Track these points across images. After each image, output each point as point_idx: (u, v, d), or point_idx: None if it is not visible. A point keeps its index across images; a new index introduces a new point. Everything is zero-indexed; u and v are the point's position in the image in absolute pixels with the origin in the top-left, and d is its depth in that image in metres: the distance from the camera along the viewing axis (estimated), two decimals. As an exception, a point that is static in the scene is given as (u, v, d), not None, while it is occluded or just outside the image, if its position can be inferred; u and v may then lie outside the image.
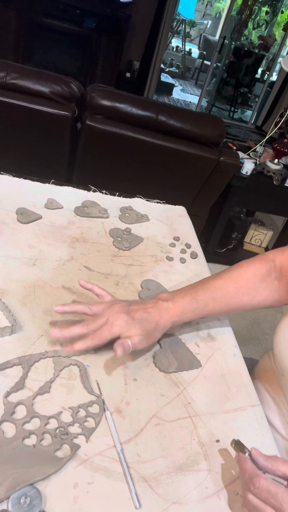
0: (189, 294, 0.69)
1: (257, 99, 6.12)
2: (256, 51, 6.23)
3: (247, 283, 0.74)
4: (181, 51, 7.81)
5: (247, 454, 0.49)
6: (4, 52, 4.25)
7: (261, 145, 2.57)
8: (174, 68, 7.88)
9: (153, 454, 0.52)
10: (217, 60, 5.88)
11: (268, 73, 6.20)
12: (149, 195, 1.14)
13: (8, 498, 0.43)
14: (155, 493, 0.48)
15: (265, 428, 0.60)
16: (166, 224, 1.05)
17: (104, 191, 1.09)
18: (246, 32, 6.74)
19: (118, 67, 4.68)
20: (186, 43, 7.68)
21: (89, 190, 1.08)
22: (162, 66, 6.43)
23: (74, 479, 0.47)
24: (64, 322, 0.67)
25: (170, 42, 7.76)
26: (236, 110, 6.40)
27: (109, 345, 0.62)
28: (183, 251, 0.96)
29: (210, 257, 2.52)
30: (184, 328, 0.73)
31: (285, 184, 2.34)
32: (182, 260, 0.92)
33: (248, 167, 2.25)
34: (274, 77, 5.93)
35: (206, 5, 9.53)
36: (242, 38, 6.74)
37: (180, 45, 7.92)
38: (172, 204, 1.16)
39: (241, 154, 2.38)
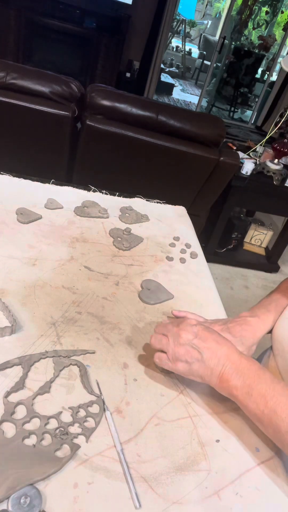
0: (271, 310, 0.73)
1: (257, 99, 6.12)
2: (256, 51, 6.23)
3: None
4: (181, 51, 7.81)
5: None
6: (4, 52, 4.25)
7: (261, 145, 2.57)
8: (174, 68, 7.88)
9: (153, 454, 0.52)
10: (217, 60, 5.87)
11: (268, 73, 6.19)
12: (149, 195, 1.14)
13: (8, 498, 0.43)
14: (155, 493, 0.48)
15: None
16: (166, 224, 1.05)
17: (104, 191, 1.09)
18: (246, 32, 6.74)
19: (118, 67, 4.68)
20: (186, 43, 7.68)
21: (89, 190, 1.08)
22: (162, 66, 6.43)
23: (74, 479, 0.47)
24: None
25: (170, 42, 7.76)
26: (236, 110, 6.40)
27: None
28: (183, 251, 0.96)
29: (210, 257, 2.52)
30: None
31: (285, 184, 2.34)
32: (182, 260, 0.92)
33: (248, 167, 2.25)
34: (274, 77, 5.93)
35: (206, 5, 9.53)
36: (242, 38, 6.74)
37: (180, 45, 7.92)
38: (172, 204, 1.16)
39: (241, 154, 2.38)
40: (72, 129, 1.72)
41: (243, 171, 2.25)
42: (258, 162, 2.43)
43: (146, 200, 1.13)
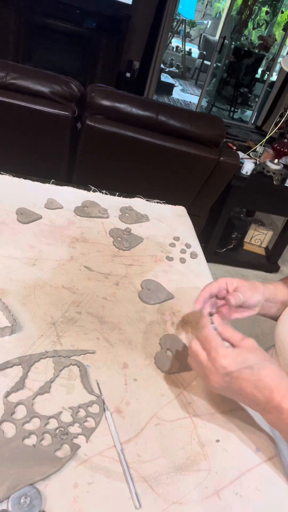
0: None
1: (257, 99, 6.12)
2: (256, 51, 6.23)
3: None
4: (181, 51, 7.81)
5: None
6: (4, 52, 4.25)
7: (261, 145, 2.57)
8: (174, 68, 7.89)
9: (153, 454, 0.52)
10: (217, 60, 5.87)
11: (268, 73, 6.20)
12: (149, 195, 1.14)
13: (8, 498, 0.43)
14: (155, 493, 0.48)
15: (265, 428, 0.60)
16: (166, 224, 1.05)
17: (104, 191, 1.09)
18: (246, 32, 6.74)
19: (118, 67, 4.68)
20: (186, 43, 7.67)
21: (89, 190, 1.08)
22: (162, 66, 6.43)
23: (74, 479, 0.47)
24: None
25: (170, 42, 7.76)
26: (236, 110, 6.40)
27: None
28: (183, 251, 0.96)
29: (210, 257, 2.52)
30: (184, 328, 0.74)
31: (285, 184, 2.34)
32: (182, 260, 0.92)
33: (248, 167, 2.24)
34: (274, 77, 5.92)
35: (206, 5, 9.53)
36: (242, 38, 6.74)
37: (180, 45, 7.92)
38: (172, 204, 1.16)
39: (241, 154, 2.38)
40: (72, 129, 1.72)
41: (243, 171, 2.25)
42: (258, 162, 2.43)
43: (146, 200, 1.13)
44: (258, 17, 7.02)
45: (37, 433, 0.50)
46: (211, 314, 0.60)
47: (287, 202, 2.39)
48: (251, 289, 0.66)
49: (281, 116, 2.50)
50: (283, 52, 5.98)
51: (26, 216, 0.89)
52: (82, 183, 1.10)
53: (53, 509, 0.44)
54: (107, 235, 0.93)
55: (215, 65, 5.66)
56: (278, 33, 7.06)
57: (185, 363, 0.66)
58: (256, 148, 2.57)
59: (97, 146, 1.75)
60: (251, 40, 6.85)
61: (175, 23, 7.68)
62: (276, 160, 2.36)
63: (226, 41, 5.68)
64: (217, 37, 6.94)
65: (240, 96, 6.51)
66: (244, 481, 0.52)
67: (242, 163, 2.25)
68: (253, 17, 6.72)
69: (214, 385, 0.52)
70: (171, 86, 6.58)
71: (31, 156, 1.80)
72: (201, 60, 7.69)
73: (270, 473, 0.54)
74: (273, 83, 5.79)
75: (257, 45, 6.42)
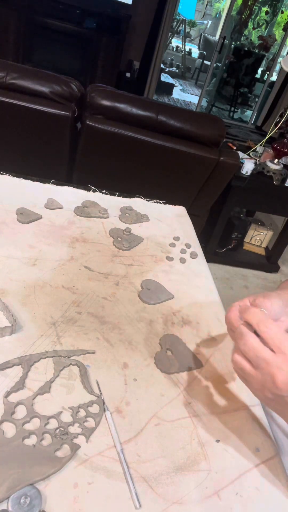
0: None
1: (257, 99, 6.12)
2: (256, 51, 6.24)
3: None
4: (181, 51, 7.81)
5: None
6: (4, 52, 4.26)
7: (261, 145, 2.57)
8: (174, 68, 7.89)
9: (153, 454, 0.52)
10: (217, 60, 5.88)
11: (268, 73, 6.20)
12: (149, 195, 1.14)
13: (8, 498, 0.43)
14: (155, 493, 0.48)
15: (265, 428, 0.60)
16: (166, 224, 1.05)
17: (104, 191, 1.09)
18: (246, 32, 6.74)
19: (118, 67, 4.69)
20: (186, 43, 7.68)
21: (89, 190, 1.08)
22: (162, 66, 6.44)
23: (74, 479, 0.47)
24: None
25: (170, 42, 7.76)
26: (236, 110, 6.40)
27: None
28: (183, 251, 0.96)
29: (210, 257, 2.52)
30: (184, 328, 0.74)
31: (285, 184, 2.34)
32: (182, 260, 0.92)
33: (248, 167, 2.25)
34: (274, 77, 5.93)
35: (206, 5, 9.53)
36: (242, 38, 6.74)
37: (180, 45, 7.92)
38: (172, 204, 1.16)
39: (241, 154, 2.38)
40: (72, 129, 1.73)
41: (243, 171, 2.25)
42: (258, 162, 2.43)
43: (146, 200, 1.13)
44: (258, 17, 7.03)
45: (37, 433, 0.50)
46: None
47: (287, 202, 2.40)
48: (265, 296, 0.58)
49: (281, 116, 2.50)
50: (283, 52, 5.98)
51: (26, 216, 0.89)
52: (82, 183, 1.10)
53: (53, 509, 0.44)
54: (107, 235, 0.93)
55: (215, 65, 5.66)
56: (278, 33, 7.06)
57: (185, 363, 0.66)
58: (256, 148, 2.57)
59: (97, 146, 1.75)
60: (251, 40, 6.85)
61: (175, 23, 7.68)
62: (276, 160, 2.36)
63: (226, 41, 5.68)
64: (217, 37, 6.93)
65: (240, 96, 6.51)
66: (244, 481, 0.52)
67: (242, 163, 2.25)
68: (253, 17, 6.73)
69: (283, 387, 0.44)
70: (171, 86, 6.59)
71: (31, 156, 1.80)
72: (201, 60, 7.69)
73: (270, 473, 0.54)
74: (273, 83, 5.80)
75: (257, 45, 6.42)
